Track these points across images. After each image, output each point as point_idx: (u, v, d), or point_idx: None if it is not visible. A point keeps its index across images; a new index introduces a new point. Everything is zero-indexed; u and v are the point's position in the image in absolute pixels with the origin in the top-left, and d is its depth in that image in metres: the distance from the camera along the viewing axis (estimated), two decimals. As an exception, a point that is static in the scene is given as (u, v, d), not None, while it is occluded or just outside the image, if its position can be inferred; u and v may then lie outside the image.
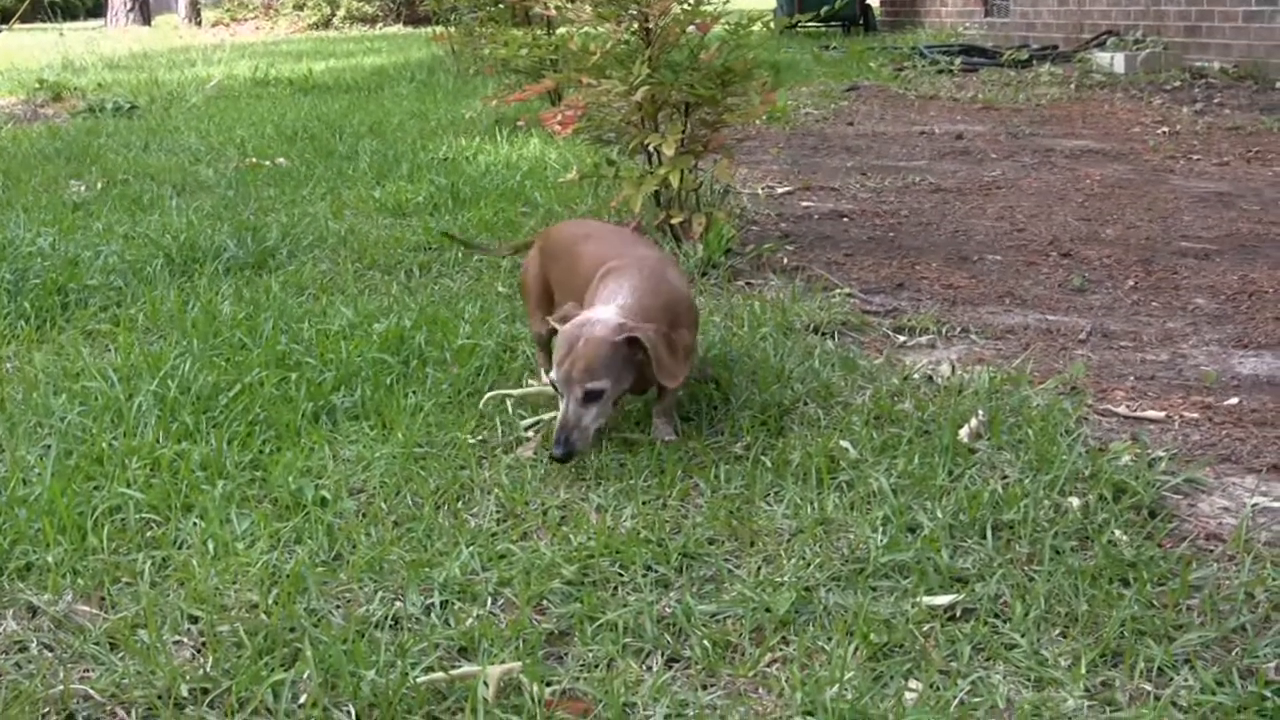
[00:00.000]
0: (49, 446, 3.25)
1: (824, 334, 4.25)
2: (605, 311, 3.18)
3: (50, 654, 2.39)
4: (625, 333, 3.09)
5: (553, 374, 3.12)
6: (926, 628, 2.42)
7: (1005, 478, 3.04)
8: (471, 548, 2.73)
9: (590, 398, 3.07)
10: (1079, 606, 2.47)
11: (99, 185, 7.10)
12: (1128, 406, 3.63)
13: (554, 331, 3.26)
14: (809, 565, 2.64)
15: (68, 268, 4.87)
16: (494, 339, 4.02)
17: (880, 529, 2.78)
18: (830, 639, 2.39)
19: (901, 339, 4.27)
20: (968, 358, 4.06)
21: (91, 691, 2.25)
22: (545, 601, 2.55)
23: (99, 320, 4.44)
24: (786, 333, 4.18)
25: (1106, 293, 4.88)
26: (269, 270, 5.12)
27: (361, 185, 6.97)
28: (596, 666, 2.33)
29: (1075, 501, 2.89)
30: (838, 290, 4.77)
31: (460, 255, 5.29)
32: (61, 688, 2.24)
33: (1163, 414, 3.57)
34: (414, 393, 3.61)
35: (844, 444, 3.22)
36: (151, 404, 3.49)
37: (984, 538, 2.74)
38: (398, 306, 4.42)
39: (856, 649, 2.35)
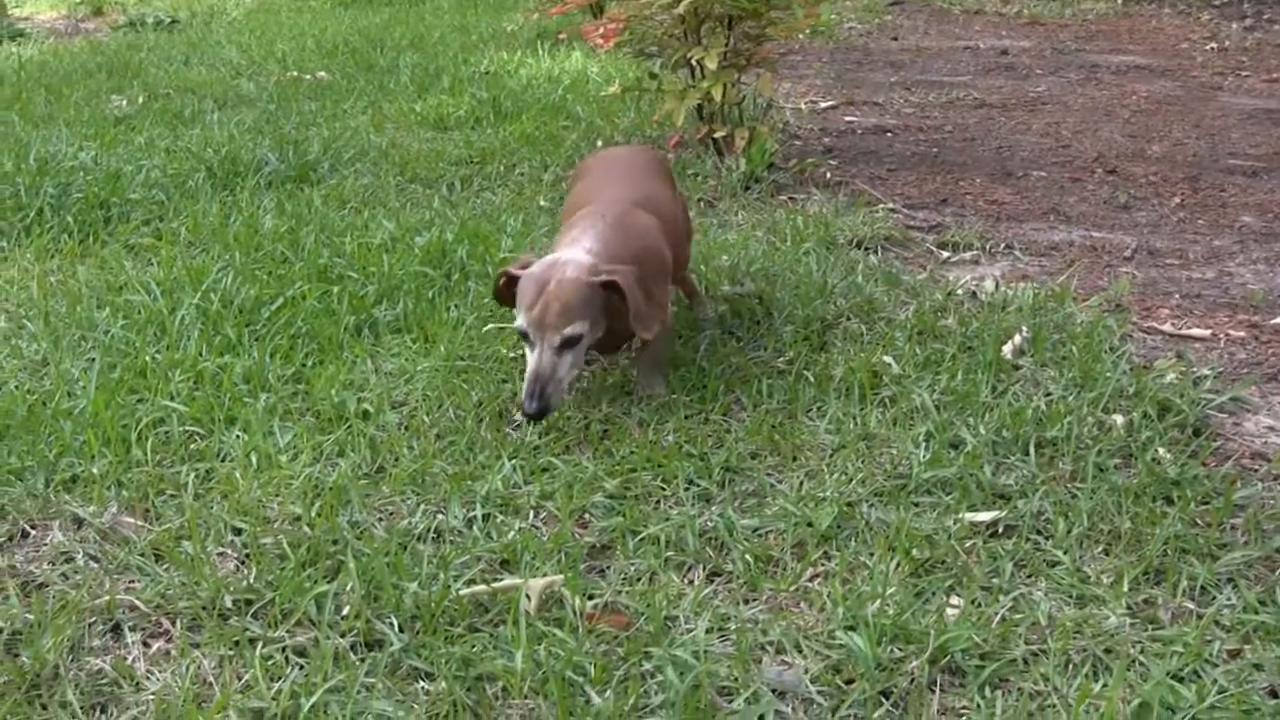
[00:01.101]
0: (93, 359, 3.26)
1: (867, 249, 4.23)
2: (573, 253, 2.92)
3: (96, 565, 2.41)
4: (601, 275, 2.83)
5: (519, 321, 2.83)
6: (968, 544, 2.41)
7: (1048, 394, 3.02)
8: (513, 461, 2.74)
9: (567, 344, 2.80)
10: (1122, 524, 2.46)
11: (140, 100, 7.09)
12: (1173, 324, 3.60)
13: (511, 280, 2.95)
14: (851, 480, 2.64)
15: (110, 182, 4.87)
16: (536, 253, 3.98)
17: (923, 445, 2.77)
18: (872, 554, 2.39)
19: (945, 255, 4.24)
20: (1012, 274, 4.03)
21: (137, 602, 2.27)
22: (587, 515, 2.56)
23: (141, 234, 4.45)
24: (829, 248, 4.16)
25: (1152, 210, 4.82)
26: (310, 184, 5.12)
27: (402, 99, 6.94)
28: (638, 580, 2.34)
29: (1119, 419, 2.87)
30: (881, 205, 4.74)
31: (502, 169, 5.27)
32: (107, 598, 2.27)
33: (1208, 332, 3.54)
34: (456, 306, 3.61)
35: (887, 359, 3.21)
36: (194, 317, 3.50)
37: (1027, 454, 2.73)
38: (439, 220, 4.41)
39: (898, 564, 2.35)
